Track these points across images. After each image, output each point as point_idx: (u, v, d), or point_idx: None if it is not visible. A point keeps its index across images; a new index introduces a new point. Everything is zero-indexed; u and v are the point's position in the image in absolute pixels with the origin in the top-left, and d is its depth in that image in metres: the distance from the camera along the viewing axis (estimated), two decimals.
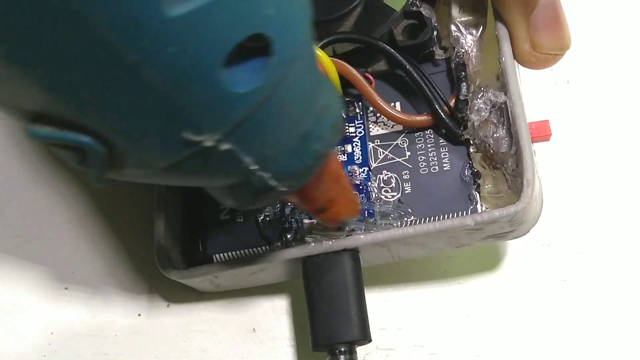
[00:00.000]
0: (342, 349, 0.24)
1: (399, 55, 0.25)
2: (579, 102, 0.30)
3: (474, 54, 0.26)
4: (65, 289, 0.29)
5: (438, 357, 0.27)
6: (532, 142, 0.24)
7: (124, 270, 0.28)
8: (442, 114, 0.25)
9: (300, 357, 0.28)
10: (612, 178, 0.29)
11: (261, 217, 0.26)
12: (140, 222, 0.29)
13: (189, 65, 0.14)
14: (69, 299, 0.29)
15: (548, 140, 0.25)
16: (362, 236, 0.24)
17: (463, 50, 0.26)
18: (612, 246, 0.28)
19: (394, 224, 0.25)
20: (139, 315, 0.28)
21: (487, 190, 0.25)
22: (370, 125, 0.27)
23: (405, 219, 0.25)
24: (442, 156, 0.26)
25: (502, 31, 0.25)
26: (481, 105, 0.25)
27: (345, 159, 0.26)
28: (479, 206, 0.25)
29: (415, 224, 0.25)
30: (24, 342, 0.29)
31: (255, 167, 0.18)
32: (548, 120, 0.25)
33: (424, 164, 0.26)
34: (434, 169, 0.25)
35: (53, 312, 0.29)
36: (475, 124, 0.25)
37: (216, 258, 0.26)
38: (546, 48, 0.25)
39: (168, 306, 0.29)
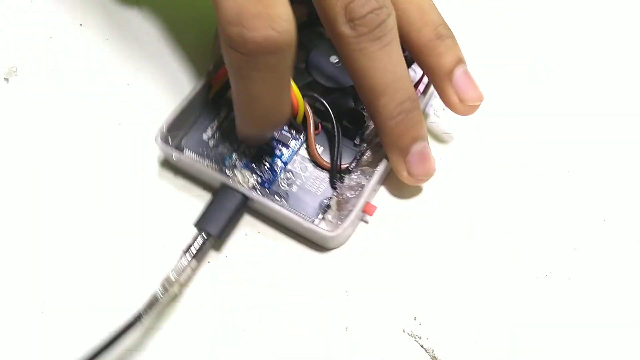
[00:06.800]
0: (204, 234, 0.42)
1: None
2: None
3: (365, 158, 0.45)
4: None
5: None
6: (363, 212, 0.43)
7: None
8: (334, 170, 0.45)
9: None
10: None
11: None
12: None
13: None
14: None
15: (370, 215, 0.44)
16: (254, 193, 0.43)
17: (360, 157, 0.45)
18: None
19: (275, 199, 0.44)
20: None
21: (328, 217, 0.44)
22: (301, 149, 0.46)
23: (279, 201, 0.44)
24: (321, 187, 0.44)
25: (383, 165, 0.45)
26: (354, 177, 0.44)
27: (280, 154, 0.45)
28: (317, 220, 0.44)
29: (283, 208, 0.44)
30: None
31: None
32: (376, 207, 0.44)
33: (310, 183, 0.45)
34: (313, 189, 0.44)
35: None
36: (347, 185, 0.44)
37: (185, 152, 0.45)
38: (420, 176, 0.45)
39: None
